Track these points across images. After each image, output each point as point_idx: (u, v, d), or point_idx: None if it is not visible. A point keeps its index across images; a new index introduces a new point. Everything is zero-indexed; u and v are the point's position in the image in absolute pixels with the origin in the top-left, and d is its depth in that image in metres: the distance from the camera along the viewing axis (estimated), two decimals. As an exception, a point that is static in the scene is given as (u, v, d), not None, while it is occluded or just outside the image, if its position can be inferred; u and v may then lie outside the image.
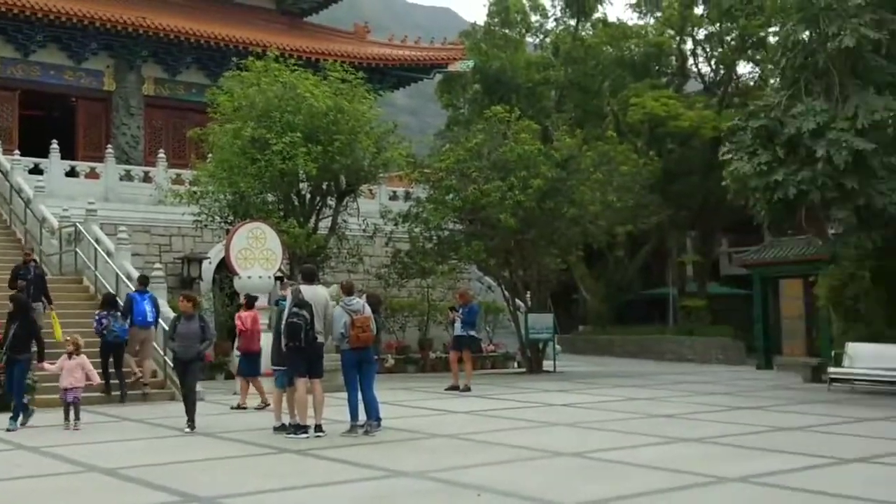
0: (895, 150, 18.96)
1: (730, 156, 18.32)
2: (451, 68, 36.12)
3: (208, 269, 25.36)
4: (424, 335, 27.04)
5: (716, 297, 40.59)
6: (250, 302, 17.27)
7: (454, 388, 19.48)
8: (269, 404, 15.57)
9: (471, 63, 36.93)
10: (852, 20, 17.38)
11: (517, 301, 27.02)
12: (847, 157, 16.68)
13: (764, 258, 28.32)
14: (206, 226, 23.62)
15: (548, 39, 45.92)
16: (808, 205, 18.89)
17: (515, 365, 28.04)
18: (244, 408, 16.13)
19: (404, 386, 20.85)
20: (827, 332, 23.81)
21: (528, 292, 27.08)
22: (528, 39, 47.15)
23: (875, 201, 17.52)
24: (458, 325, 19.87)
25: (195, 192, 23.05)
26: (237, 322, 16.95)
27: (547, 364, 26.47)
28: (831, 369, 19.90)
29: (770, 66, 22.10)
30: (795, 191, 17.23)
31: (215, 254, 24.97)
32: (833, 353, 20.65)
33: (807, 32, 18.50)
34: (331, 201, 24.03)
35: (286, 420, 12.85)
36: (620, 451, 11.54)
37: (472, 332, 19.96)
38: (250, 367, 16.52)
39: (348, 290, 12.68)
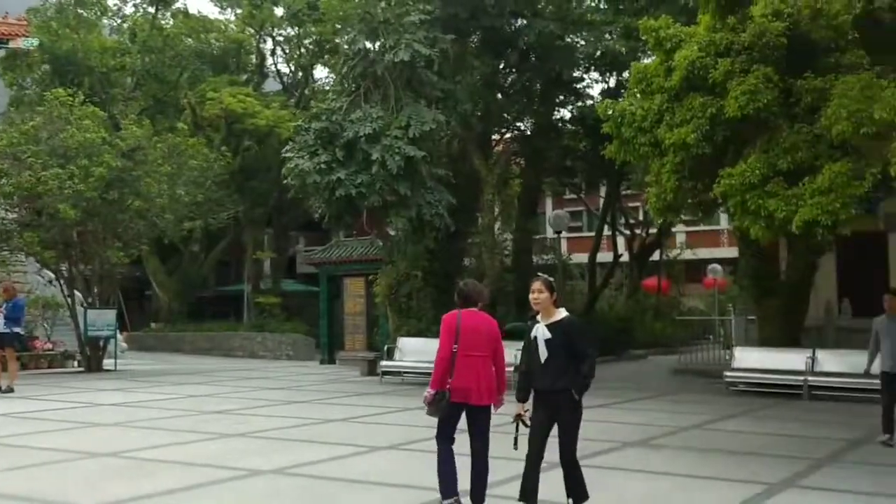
0: (437, 160, 20.59)
1: (292, 154, 18.77)
2: (12, 45, 33.36)
3: None
4: (-31, 333, 24.64)
5: (290, 294, 41.34)
6: None
7: (-5, 389, 18.02)
8: None
9: (36, 41, 34.32)
10: (407, 36, 18.56)
11: (78, 296, 25.59)
12: (399, 162, 17.80)
13: (330, 257, 29.32)
14: None
15: (125, 24, 43.95)
16: (370, 208, 19.86)
17: (75, 364, 26.51)
18: None
19: (-62, 389, 18.92)
20: (384, 328, 25.21)
21: (95, 288, 25.76)
22: (105, 22, 44.78)
23: (424, 211, 18.88)
24: (0, 321, 18.40)
25: None
26: None
27: (109, 362, 25.38)
28: (383, 363, 21.13)
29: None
30: (355, 191, 18.05)
31: None
32: (386, 348, 21.91)
33: (368, 43, 19.44)
34: None
35: None
36: (162, 449, 11.35)
37: (17, 329, 18.64)
38: None
39: None
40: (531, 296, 7.32)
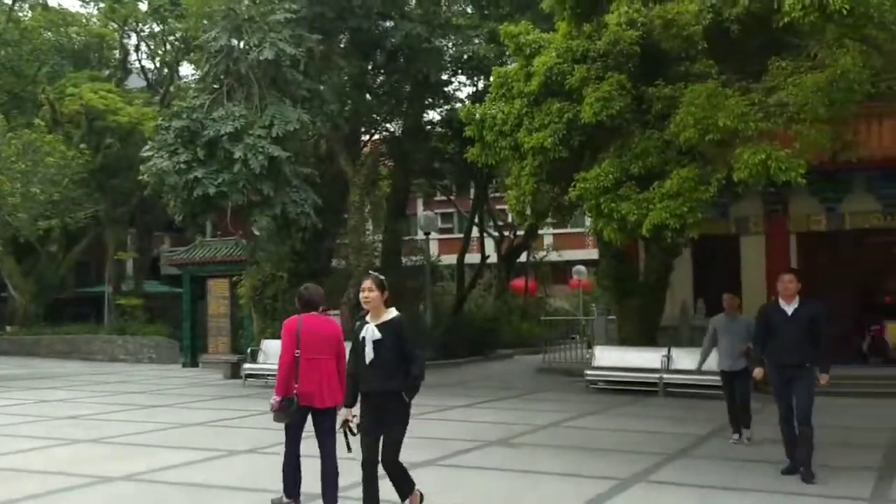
0: (304, 160, 20.42)
1: (151, 153, 18.28)
2: None
3: None
4: None
5: (153, 296, 40.23)
6: None
7: None
8: None
9: None
10: (272, 34, 18.31)
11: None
12: (263, 161, 17.54)
13: (193, 258, 28.68)
14: None
15: (-20, 16, 41.99)
16: (234, 207, 19.51)
17: (-80, 369, 25.27)
18: None
19: None
20: (249, 330, 24.85)
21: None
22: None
23: (289, 210, 18.64)
24: None
25: None
26: None
27: (-44, 368, 24.29)
28: (247, 365, 20.84)
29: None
30: (215, 190, 17.68)
31: None
32: (250, 350, 21.60)
33: (233, 41, 19.08)
34: None
35: None
36: (8, 457, 10.99)
37: None
38: None
39: None
40: (361, 294, 7.15)
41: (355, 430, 7.14)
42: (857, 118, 12.24)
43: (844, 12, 8.12)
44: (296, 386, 7.53)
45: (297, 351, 7.57)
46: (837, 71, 9.33)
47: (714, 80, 10.66)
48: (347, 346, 7.53)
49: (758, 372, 10.10)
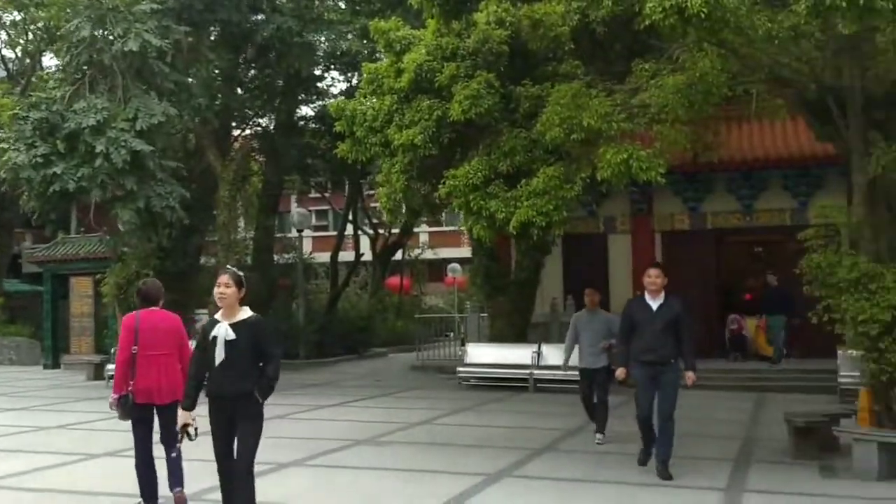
0: (172, 154, 19.89)
1: (6, 146, 17.46)
2: None
3: None
4: None
5: (14, 295, 38.62)
6: None
7: None
8: None
9: None
10: (138, 25, 17.72)
11: None
12: (125, 156, 16.91)
13: (54, 255, 27.61)
14: None
15: None
16: (97, 202, 18.79)
17: None
18: None
19: None
20: (113, 330, 24.05)
21: None
22: None
23: (154, 203, 18.06)
24: None
25: None
26: None
27: None
28: (109, 366, 20.12)
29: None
30: (75, 185, 16.99)
31: None
32: (114, 350, 20.87)
33: (97, 31, 18.38)
34: None
35: None
36: None
37: None
38: None
39: None
40: (217, 290, 6.68)
41: (193, 436, 6.74)
42: (716, 120, 12.68)
43: (702, 16, 8.30)
44: (131, 383, 7.43)
45: (135, 347, 7.48)
46: (696, 74, 9.60)
47: (580, 80, 10.86)
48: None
49: (620, 372, 9.75)
